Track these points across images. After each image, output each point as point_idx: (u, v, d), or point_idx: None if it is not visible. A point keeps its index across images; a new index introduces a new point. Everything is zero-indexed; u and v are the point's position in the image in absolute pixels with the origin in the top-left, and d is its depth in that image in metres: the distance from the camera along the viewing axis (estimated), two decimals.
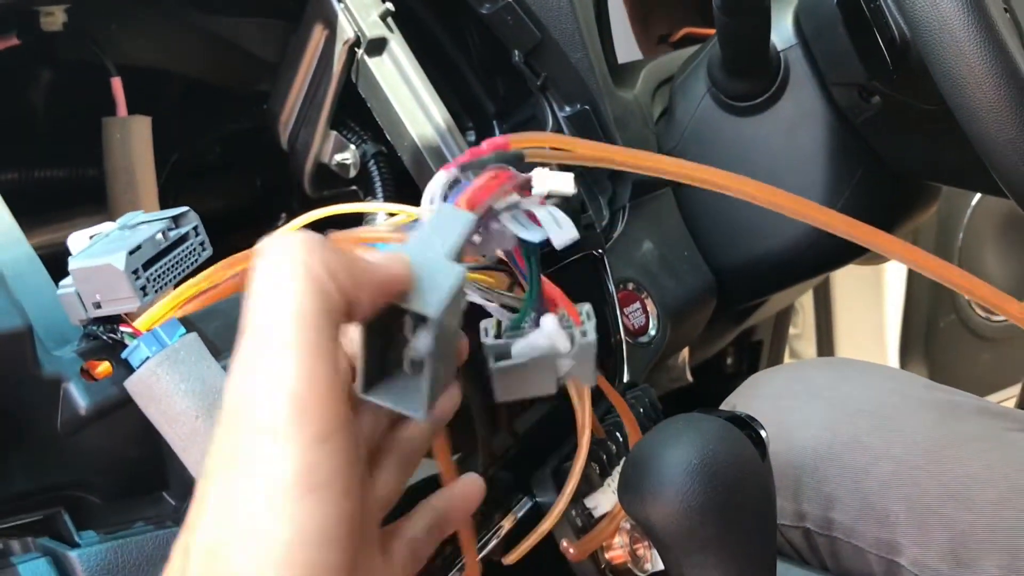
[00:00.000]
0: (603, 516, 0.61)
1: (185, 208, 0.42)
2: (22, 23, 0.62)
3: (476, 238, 0.40)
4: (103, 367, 0.42)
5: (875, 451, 0.65)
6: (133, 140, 0.65)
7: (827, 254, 0.89)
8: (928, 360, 1.65)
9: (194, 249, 0.43)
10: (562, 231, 0.40)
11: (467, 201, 0.38)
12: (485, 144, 0.39)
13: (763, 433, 0.58)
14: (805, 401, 0.69)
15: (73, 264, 0.40)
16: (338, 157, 0.73)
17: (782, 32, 0.84)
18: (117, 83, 0.65)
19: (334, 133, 0.73)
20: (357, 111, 0.73)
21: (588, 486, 0.62)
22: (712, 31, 0.99)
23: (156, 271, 0.41)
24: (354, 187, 0.76)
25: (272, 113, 0.74)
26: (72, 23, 0.64)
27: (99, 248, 0.40)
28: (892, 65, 0.73)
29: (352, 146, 0.73)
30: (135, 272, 0.40)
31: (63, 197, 0.74)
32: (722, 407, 0.75)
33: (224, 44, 0.75)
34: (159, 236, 0.41)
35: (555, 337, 0.42)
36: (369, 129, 0.73)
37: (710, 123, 0.87)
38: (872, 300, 1.63)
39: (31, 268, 0.44)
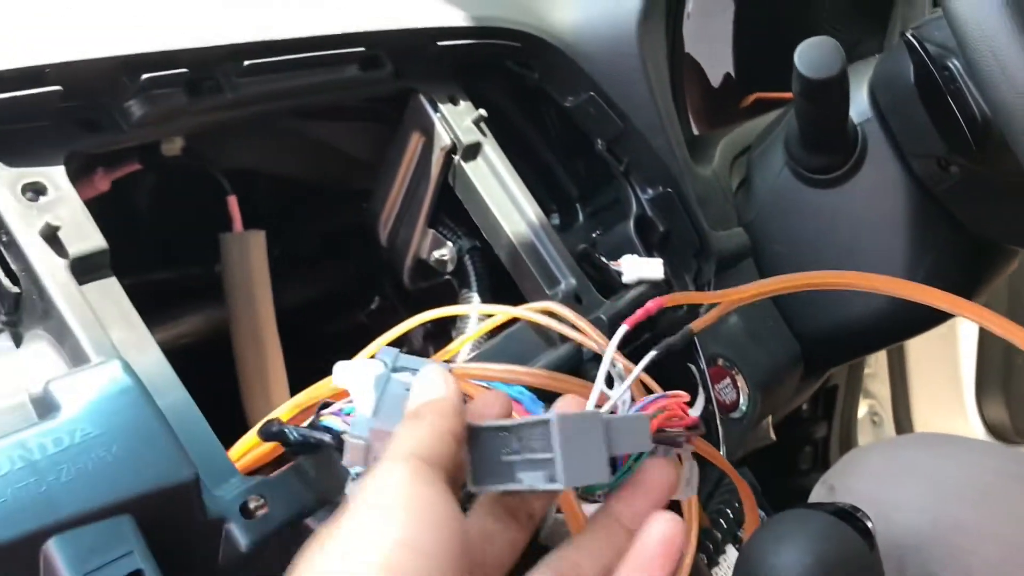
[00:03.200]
0: None
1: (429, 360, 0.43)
2: (144, 151, 0.66)
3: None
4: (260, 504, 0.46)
5: (980, 532, 0.66)
6: (251, 254, 0.68)
7: (912, 320, 0.90)
8: (1006, 396, 1.63)
9: None
10: None
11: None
12: (651, 303, 0.42)
13: (869, 524, 0.59)
14: (904, 480, 0.70)
15: (369, 425, 0.41)
16: (436, 254, 0.76)
17: (858, 105, 0.85)
18: (233, 201, 0.68)
19: (432, 231, 0.76)
20: (452, 208, 0.76)
21: None
22: (782, 95, 1.01)
23: None
24: (448, 277, 0.79)
25: (372, 212, 0.78)
26: (189, 146, 0.68)
27: (387, 405, 0.41)
28: (974, 143, 0.74)
29: (449, 243, 0.76)
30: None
31: (174, 296, 0.78)
32: (818, 485, 0.77)
33: (325, 148, 0.79)
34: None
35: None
36: (463, 225, 0.76)
37: (789, 195, 0.88)
38: (946, 337, 1.62)
39: (188, 411, 0.47)
